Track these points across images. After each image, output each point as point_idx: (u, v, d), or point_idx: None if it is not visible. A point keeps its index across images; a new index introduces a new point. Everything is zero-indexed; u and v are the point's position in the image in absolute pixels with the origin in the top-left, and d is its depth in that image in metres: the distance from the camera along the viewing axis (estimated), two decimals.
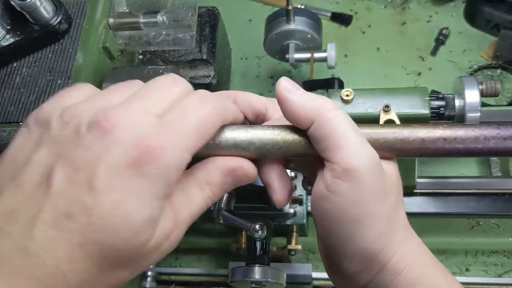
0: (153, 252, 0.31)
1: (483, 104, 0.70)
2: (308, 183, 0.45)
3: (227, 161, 0.36)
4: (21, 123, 0.57)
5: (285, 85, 0.36)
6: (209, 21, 0.78)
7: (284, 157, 0.38)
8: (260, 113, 0.41)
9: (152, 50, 0.73)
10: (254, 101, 0.41)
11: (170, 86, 0.33)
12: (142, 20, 0.63)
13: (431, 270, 0.37)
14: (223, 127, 0.36)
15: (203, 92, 0.34)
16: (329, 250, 0.38)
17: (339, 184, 0.34)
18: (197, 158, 0.35)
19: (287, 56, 0.80)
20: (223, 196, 0.57)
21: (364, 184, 0.34)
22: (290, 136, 0.37)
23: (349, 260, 0.36)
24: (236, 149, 0.36)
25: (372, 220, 0.35)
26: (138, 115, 0.30)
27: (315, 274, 0.73)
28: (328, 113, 0.35)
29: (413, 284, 0.36)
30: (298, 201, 0.70)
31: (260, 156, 0.37)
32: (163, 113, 0.31)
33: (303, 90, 0.36)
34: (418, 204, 0.71)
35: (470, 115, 0.66)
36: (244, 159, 0.36)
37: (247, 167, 0.36)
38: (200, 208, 0.34)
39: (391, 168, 0.37)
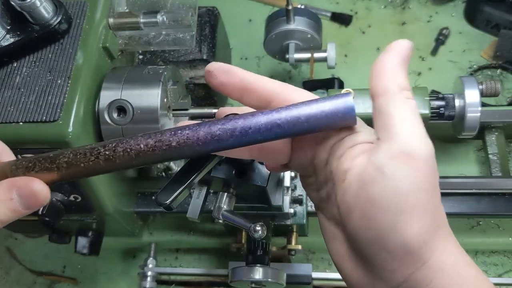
0: None
1: (483, 104, 0.70)
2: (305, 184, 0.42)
3: (14, 179, 0.35)
4: (21, 123, 0.57)
5: (401, 47, 0.38)
6: (209, 21, 0.78)
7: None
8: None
9: (152, 50, 0.73)
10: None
11: None
12: (142, 20, 0.63)
13: (473, 272, 0.35)
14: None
15: None
16: (365, 243, 0.35)
17: (396, 166, 0.32)
18: None
19: (287, 56, 0.80)
20: (224, 196, 0.57)
21: (423, 171, 0.32)
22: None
23: (388, 254, 0.34)
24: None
25: (421, 211, 0.33)
26: None
27: (315, 274, 0.73)
28: (404, 97, 0.35)
29: (455, 284, 0.34)
30: (298, 201, 0.70)
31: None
32: None
33: (405, 66, 0.37)
34: None
35: (470, 115, 0.66)
36: (35, 178, 0.35)
37: (36, 186, 0.35)
38: None
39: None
